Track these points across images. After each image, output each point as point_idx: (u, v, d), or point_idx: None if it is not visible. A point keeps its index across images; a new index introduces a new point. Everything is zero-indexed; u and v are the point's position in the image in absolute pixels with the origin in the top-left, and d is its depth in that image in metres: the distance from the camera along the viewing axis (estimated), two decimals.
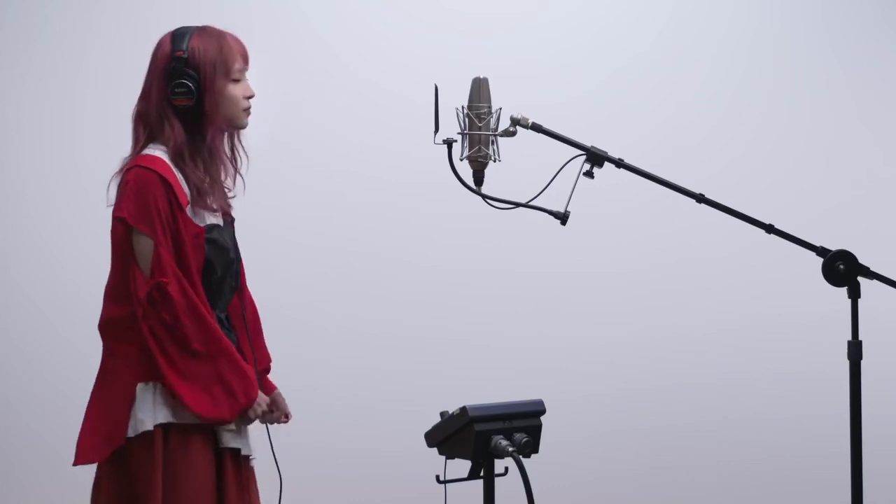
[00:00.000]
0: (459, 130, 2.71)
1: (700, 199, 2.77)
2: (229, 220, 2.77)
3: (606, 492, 4.44)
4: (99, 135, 4.21)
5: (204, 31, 2.70)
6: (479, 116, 2.70)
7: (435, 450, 2.59)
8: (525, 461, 2.45)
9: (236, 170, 2.76)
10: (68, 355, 4.15)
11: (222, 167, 2.71)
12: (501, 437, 2.49)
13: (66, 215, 4.20)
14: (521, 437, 2.50)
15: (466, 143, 2.71)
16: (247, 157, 2.77)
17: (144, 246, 2.56)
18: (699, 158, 4.45)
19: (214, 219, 2.69)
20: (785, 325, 4.53)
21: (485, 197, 2.75)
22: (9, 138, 4.20)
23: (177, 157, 2.62)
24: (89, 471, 4.14)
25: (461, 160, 2.72)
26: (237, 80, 2.68)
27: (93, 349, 4.14)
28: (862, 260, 2.72)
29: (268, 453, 2.81)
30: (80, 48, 4.21)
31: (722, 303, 4.53)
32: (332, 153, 4.29)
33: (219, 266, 2.68)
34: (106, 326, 2.63)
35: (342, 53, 4.31)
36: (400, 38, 4.33)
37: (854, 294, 2.70)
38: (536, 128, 2.74)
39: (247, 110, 2.70)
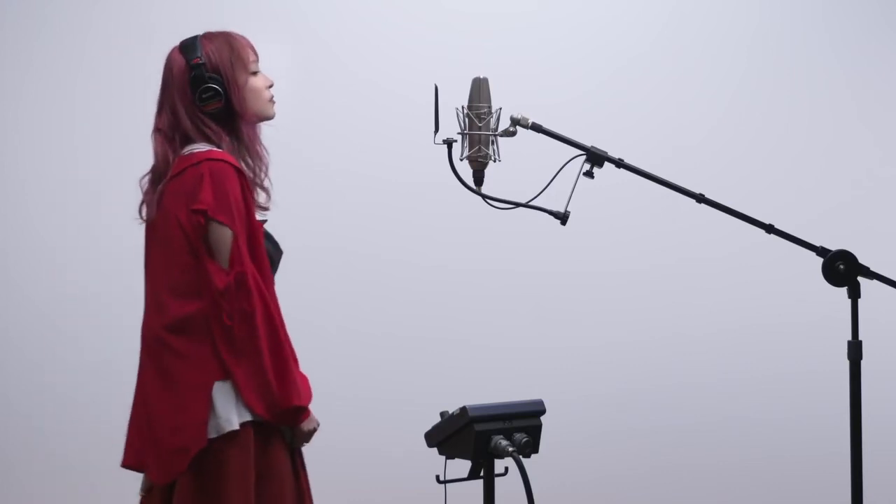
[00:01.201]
0: (459, 130, 2.71)
1: (700, 199, 2.77)
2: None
3: (606, 492, 4.44)
4: (99, 135, 4.21)
5: (209, 34, 2.73)
6: (479, 116, 2.70)
7: (435, 450, 2.59)
8: (525, 461, 2.45)
9: (265, 169, 2.74)
10: (68, 355, 4.15)
11: (262, 165, 2.72)
12: (501, 437, 2.49)
13: (66, 215, 4.20)
14: (521, 437, 2.50)
15: (466, 143, 2.71)
16: (267, 153, 2.77)
17: (223, 237, 2.56)
18: (699, 158, 4.45)
19: (263, 216, 2.72)
20: (785, 325, 4.53)
21: (485, 197, 2.75)
22: (9, 138, 4.20)
23: (233, 155, 2.64)
24: (88, 470, 4.16)
25: (461, 160, 2.72)
26: (255, 73, 2.72)
27: (92, 348, 4.16)
28: (862, 260, 2.72)
29: None
30: (80, 48, 4.21)
31: (722, 303, 4.53)
32: (332, 153, 4.29)
33: (276, 260, 2.74)
34: (176, 326, 2.56)
35: (342, 53, 4.30)
36: (400, 38, 4.33)
37: (854, 294, 2.70)
38: (536, 128, 2.74)
39: (271, 100, 2.74)
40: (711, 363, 4.51)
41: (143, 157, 4.20)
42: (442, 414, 2.57)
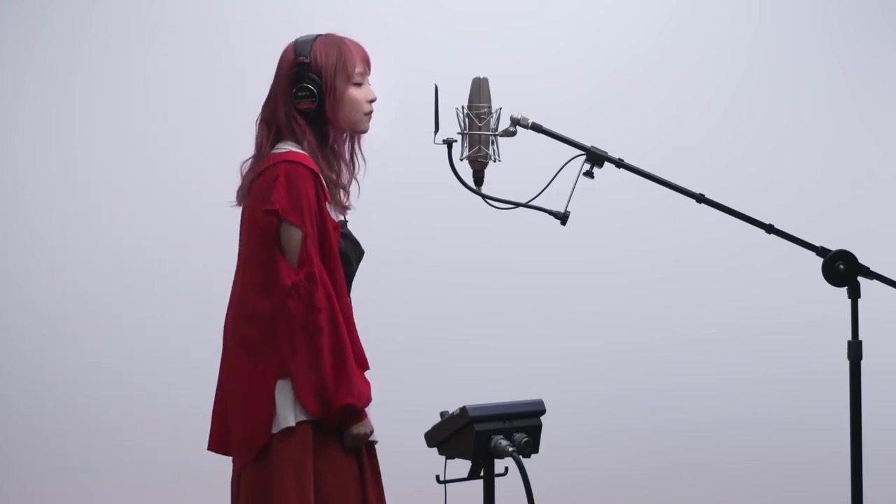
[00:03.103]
0: (459, 130, 2.71)
1: (700, 199, 2.77)
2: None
3: (606, 492, 4.44)
4: (99, 135, 4.21)
5: (326, 37, 2.79)
6: (479, 116, 2.70)
7: (435, 450, 2.59)
8: (525, 461, 2.45)
9: (353, 175, 2.81)
10: (68, 355, 4.15)
11: (344, 170, 2.78)
12: (501, 437, 2.49)
13: (66, 215, 4.20)
14: (521, 437, 2.49)
15: (466, 143, 2.71)
16: (364, 163, 2.85)
17: (294, 237, 2.61)
18: (699, 158, 4.45)
19: (343, 217, 2.78)
20: (785, 325, 4.53)
21: (485, 197, 2.75)
22: (9, 138, 4.20)
23: (313, 155, 2.69)
24: (88, 470, 4.16)
25: (461, 160, 2.72)
26: (358, 84, 2.78)
27: (92, 348, 4.17)
28: (862, 260, 2.72)
29: None
30: (80, 48, 4.21)
31: (722, 303, 4.52)
32: None
33: (353, 260, 2.76)
34: (254, 321, 2.64)
35: None
36: (400, 38, 4.33)
37: (854, 294, 2.70)
38: (536, 128, 2.74)
39: (368, 114, 2.80)
40: (711, 363, 4.51)
41: (143, 156, 4.23)
42: (442, 414, 2.57)
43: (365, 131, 2.82)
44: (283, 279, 2.58)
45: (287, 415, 2.59)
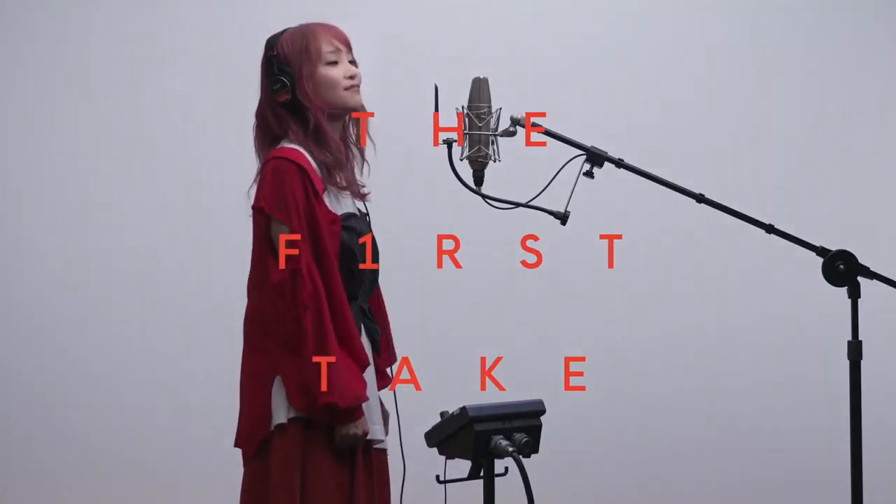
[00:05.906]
0: None
1: (700, 199, 2.77)
2: (364, 214, 2.84)
3: (606, 492, 4.44)
4: (99, 135, 4.21)
5: (294, 28, 2.81)
6: (479, 116, 2.70)
7: (435, 450, 2.59)
8: (525, 461, 2.45)
9: (349, 157, 2.81)
10: (67, 355, 4.15)
11: (342, 151, 2.77)
12: (501, 437, 2.49)
13: (66, 215, 4.20)
14: (521, 437, 2.49)
15: (466, 143, 2.71)
16: (372, 142, 2.86)
17: (281, 233, 2.62)
18: (699, 158, 4.45)
19: (351, 208, 2.77)
20: (785, 325, 4.52)
21: (485, 197, 2.75)
22: (9, 138, 4.20)
23: (304, 146, 2.69)
24: (89, 470, 4.16)
25: (461, 160, 2.72)
26: (333, 63, 2.76)
27: (91, 348, 4.17)
28: (862, 260, 2.72)
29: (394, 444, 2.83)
30: (80, 48, 4.21)
31: (722, 303, 4.52)
32: None
33: (359, 254, 2.74)
34: (253, 318, 2.67)
35: None
36: (400, 38, 4.33)
37: (854, 294, 2.70)
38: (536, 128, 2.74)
39: (349, 89, 2.76)
40: (712, 363, 4.51)
41: (143, 157, 4.23)
42: (442, 414, 2.57)
43: (354, 107, 2.80)
44: (271, 276, 2.60)
45: (280, 411, 2.61)
